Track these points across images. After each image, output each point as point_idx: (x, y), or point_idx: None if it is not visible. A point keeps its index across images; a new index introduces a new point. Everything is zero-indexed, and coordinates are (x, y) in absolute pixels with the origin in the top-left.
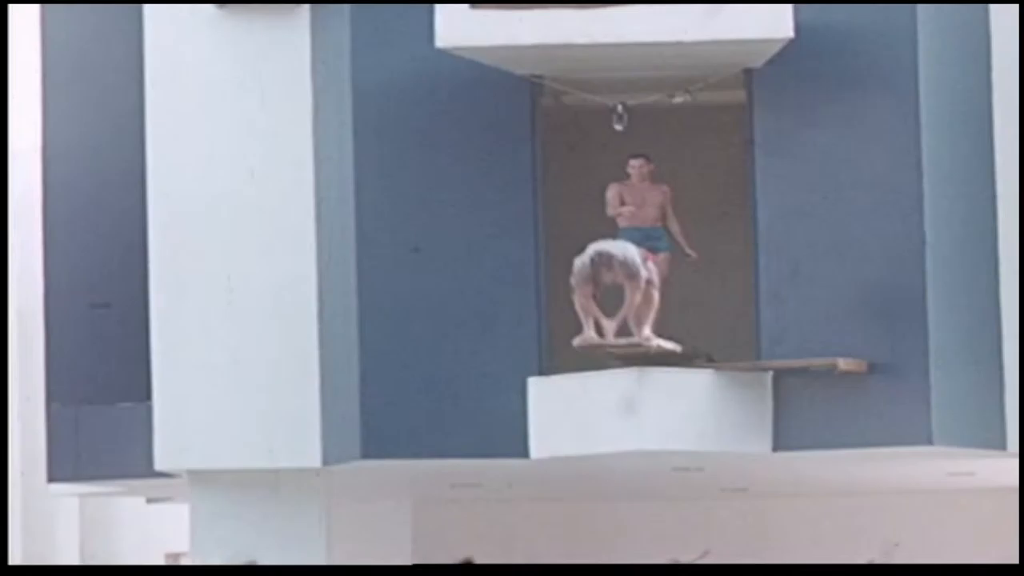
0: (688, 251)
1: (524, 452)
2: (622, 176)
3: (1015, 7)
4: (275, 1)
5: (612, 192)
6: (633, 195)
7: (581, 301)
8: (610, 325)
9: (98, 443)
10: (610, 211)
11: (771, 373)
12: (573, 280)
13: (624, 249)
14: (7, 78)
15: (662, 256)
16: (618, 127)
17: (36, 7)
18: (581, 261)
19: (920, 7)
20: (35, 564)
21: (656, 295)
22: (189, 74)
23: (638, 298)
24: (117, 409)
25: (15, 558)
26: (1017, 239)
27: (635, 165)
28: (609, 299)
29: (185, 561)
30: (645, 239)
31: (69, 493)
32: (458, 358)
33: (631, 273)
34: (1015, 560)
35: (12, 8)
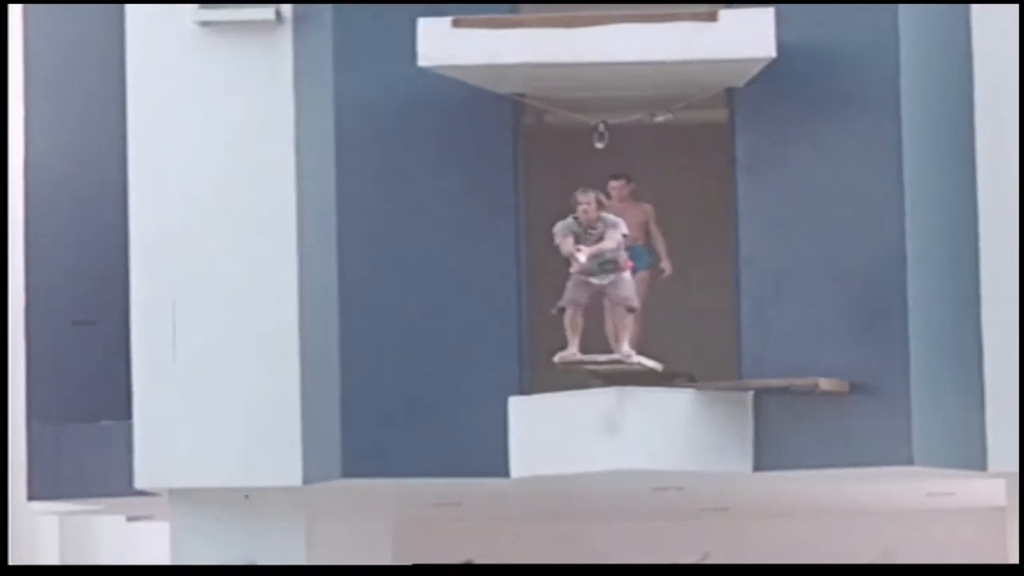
0: (663, 266)
1: (505, 471)
2: (603, 194)
3: (998, 26)
4: (258, 1)
5: None
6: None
7: (570, 318)
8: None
9: (79, 461)
10: None
11: (752, 392)
12: (556, 235)
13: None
14: (7, 79)
15: (642, 275)
16: (599, 145)
17: (17, 25)
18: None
19: (902, 27)
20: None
21: (632, 315)
22: (171, 91)
23: (613, 244)
24: (98, 427)
25: None
26: (999, 258)
27: (615, 186)
28: (590, 322)
29: None
30: None
31: (49, 511)
32: (439, 377)
33: (612, 222)
34: None
35: None
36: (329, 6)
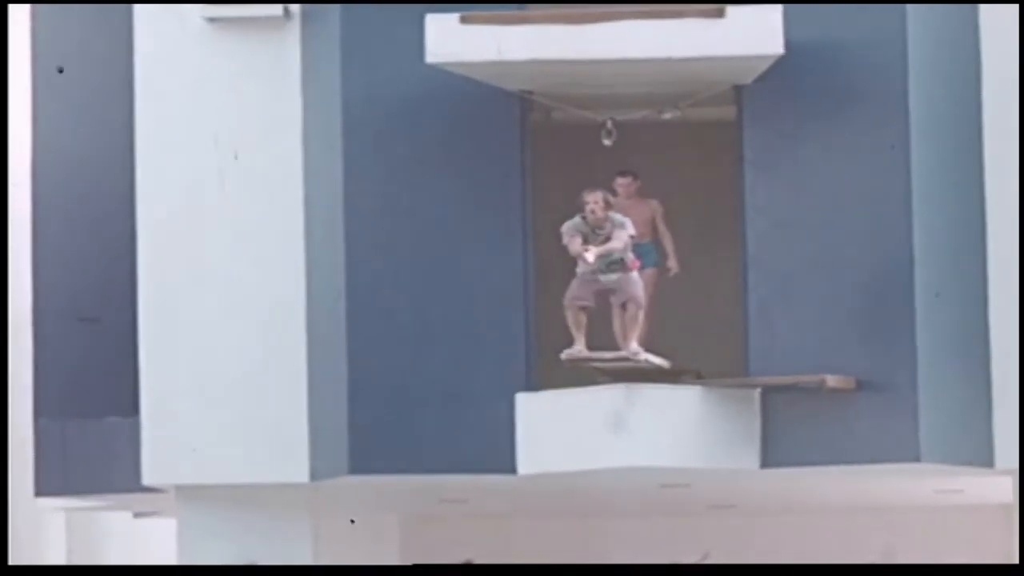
0: (670, 263)
1: (512, 468)
2: (610, 192)
3: (1005, 24)
4: (266, 1)
5: None
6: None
7: (572, 315)
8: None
9: (86, 457)
10: None
11: (759, 390)
12: (564, 235)
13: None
14: (7, 79)
15: (649, 272)
16: (607, 142)
17: (25, 21)
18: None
19: (910, 24)
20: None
21: (641, 312)
22: (179, 88)
23: (620, 245)
24: (105, 423)
25: None
26: (1006, 255)
27: (622, 183)
28: (598, 319)
29: None
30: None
31: (56, 507)
32: (446, 374)
33: (619, 222)
34: None
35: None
36: (337, 3)
